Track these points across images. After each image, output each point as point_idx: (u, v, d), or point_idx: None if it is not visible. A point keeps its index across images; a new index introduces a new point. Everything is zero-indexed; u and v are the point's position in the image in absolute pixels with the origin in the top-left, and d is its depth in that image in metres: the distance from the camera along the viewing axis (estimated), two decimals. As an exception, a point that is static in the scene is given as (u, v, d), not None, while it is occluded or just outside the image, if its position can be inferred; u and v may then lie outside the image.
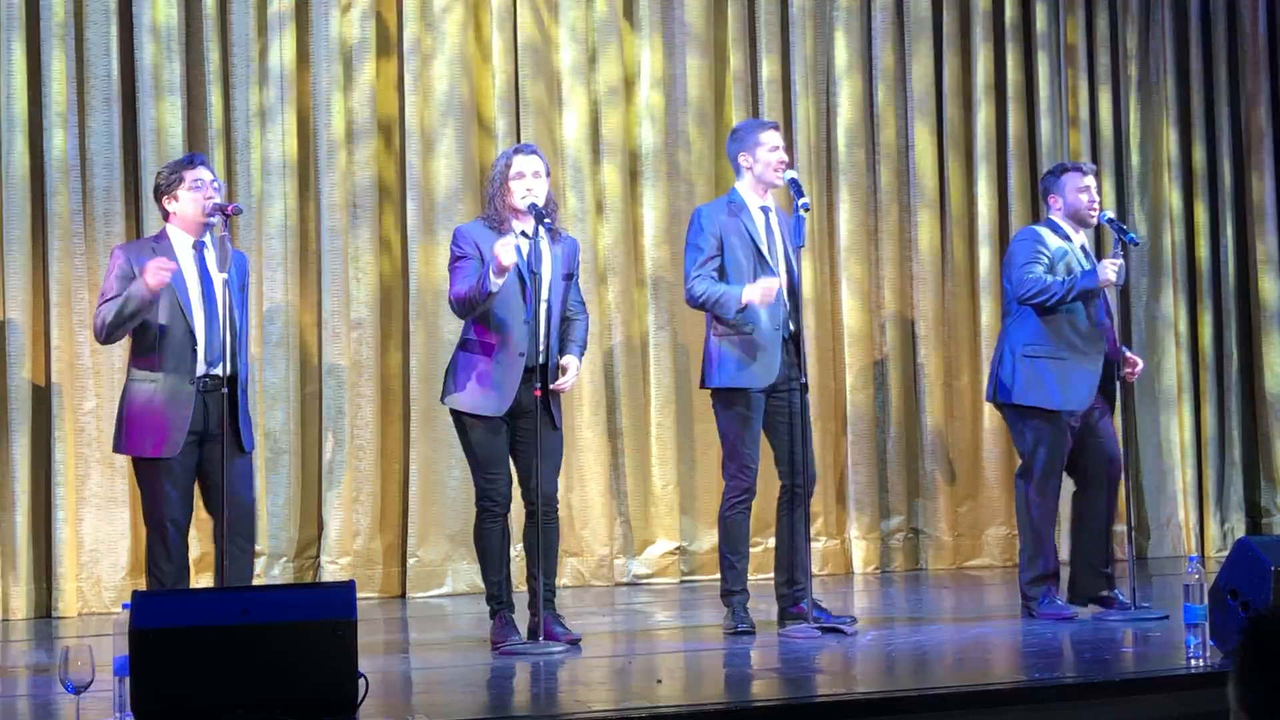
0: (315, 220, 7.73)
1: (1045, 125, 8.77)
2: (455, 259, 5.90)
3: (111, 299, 5.63)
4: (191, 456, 5.64)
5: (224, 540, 5.62)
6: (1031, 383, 6.33)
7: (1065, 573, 6.48)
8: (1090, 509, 6.45)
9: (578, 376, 6.02)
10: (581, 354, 6.03)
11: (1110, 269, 6.20)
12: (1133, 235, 6.41)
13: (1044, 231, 6.47)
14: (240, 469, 5.73)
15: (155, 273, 5.50)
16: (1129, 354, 6.53)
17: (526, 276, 5.80)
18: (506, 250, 5.65)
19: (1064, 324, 6.32)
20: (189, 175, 5.73)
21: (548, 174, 5.94)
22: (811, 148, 8.39)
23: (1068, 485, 6.53)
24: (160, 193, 5.79)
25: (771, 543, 7.94)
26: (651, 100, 8.21)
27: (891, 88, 8.59)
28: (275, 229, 7.58)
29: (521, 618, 6.02)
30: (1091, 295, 6.27)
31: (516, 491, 6.15)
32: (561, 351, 5.95)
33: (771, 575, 7.73)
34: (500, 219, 5.86)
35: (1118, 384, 6.43)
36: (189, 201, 5.71)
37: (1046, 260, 6.34)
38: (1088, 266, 6.34)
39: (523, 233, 5.86)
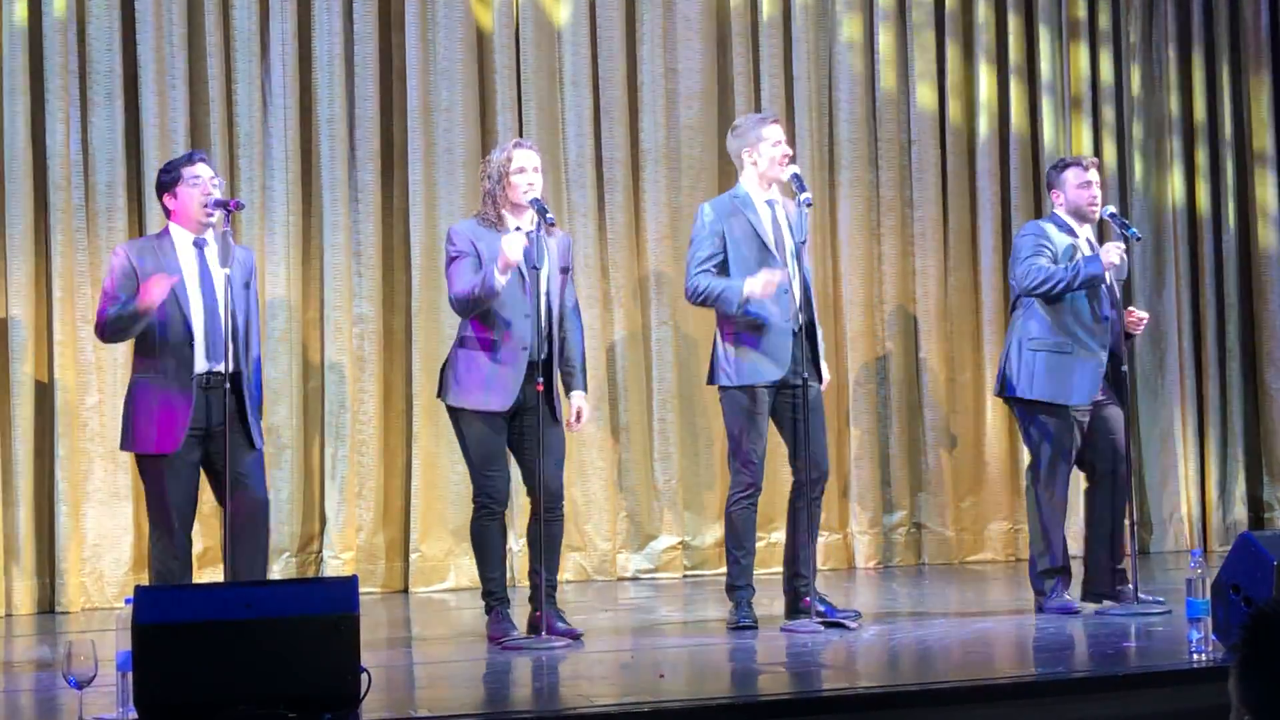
0: (318, 215, 7.73)
1: (1048, 120, 8.75)
2: (451, 259, 5.91)
3: (113, 303, 5.64)
4: (195, 452, 5.63)
5: (231, 535, 5.61)
6: (1036, 377, 6.34)
7: (1078, 569, 6.49)
8: (1100, 506, 6.45)
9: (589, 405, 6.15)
10: (585, 379, 6.12)
11: (1114, 252, 6.21)
12: (1135, 230, 6.41)
13: (1047, 226, 6.49)
14: (251, 465, 5.72)
15: (153, 289, 5.51)
16: (1132, 310, 6.52)
17: (526, 272, 5.81)
18: (514, 247, 5.66)
19: (1068, 317, 6.33)
20: (187, 172, 5.74)
21: (545, 170, 6.00)
22: (813, 141, 8.39)
23: (1078, 481, 6.52)
24: (161, 190, 5.81)
25: (774, 537, 8.02)
26: (653, 93, 8.20)
27: (893, 82, 8.58)
28: (278, 224, 7.57)
29: (522, 612, 6.03)
30: (1098, 280, 6.24)
31: (516, 488, 6.16)
32: (566, 384, 6.03)
33: (776, 570, 7.80)
34: (497, 215, 5.88)
35: (1127, 380, 6.41)
36: (188, 198, 5.71)
37: (1050, 253, 6.35)
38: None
39: (517, 228, 5.88)
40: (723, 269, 6.10)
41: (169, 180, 5.77)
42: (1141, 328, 6.55)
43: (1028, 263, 6.34)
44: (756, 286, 5.95)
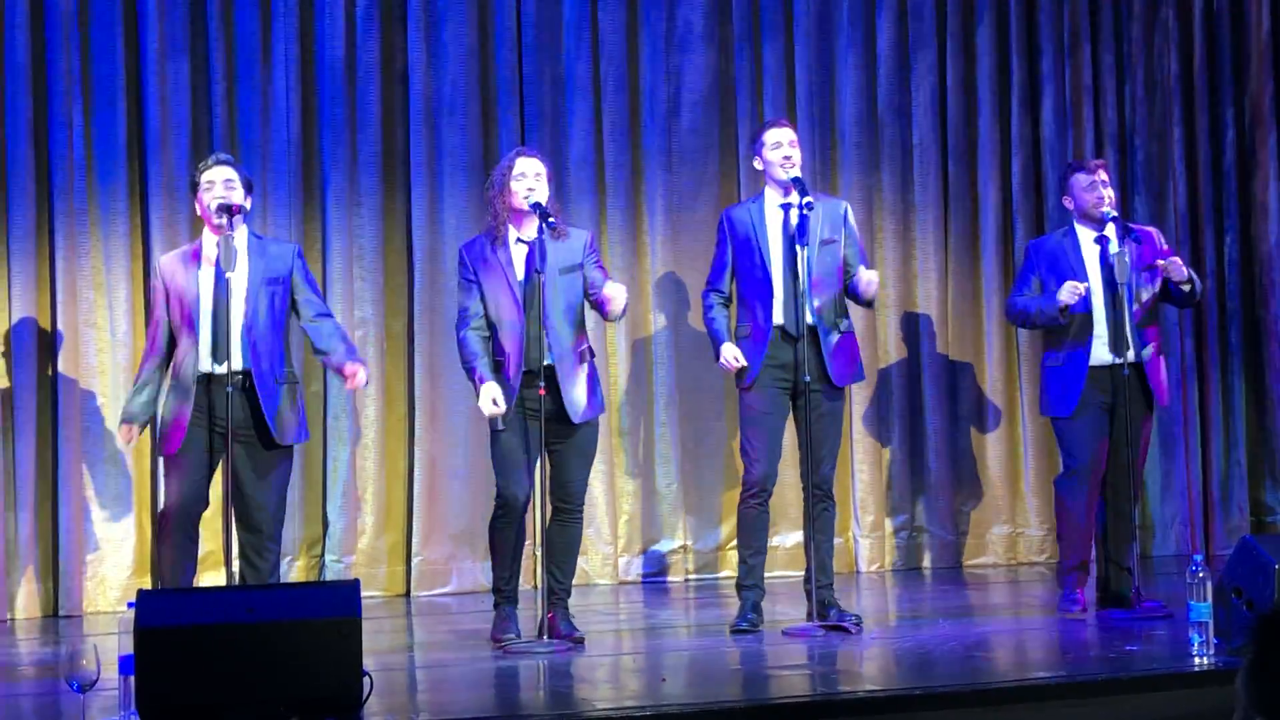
0: (320, 219, 7.73)
1: (1049, 122, 8.74)
2: (460, 279, 6.04)
3: (149, 356, 5.86)
4: (201, 454, 5.68)
5: (231, 535, 5.68)
6: (1045, 392, 6.54)
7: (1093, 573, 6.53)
8: (1115, 509, 6.45)
9: (624, 296, 5.98)
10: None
11: (1066, 291, 6.26)
12: (1136, 233, 6.42)
13: (1042, 242, 6.64)
14: (261, 467, 5.75)
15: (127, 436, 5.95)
16: (1159, 263, 6.44)
17: (515, 289, 5.83)
18: (486, 405, 5.79)
19: (1057, 331, 6.44)
20: (202, 178, 5.86)
21: (550, 178, 6.00)
22: (815, 146, 8.38)
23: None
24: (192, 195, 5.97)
25: (775, 540, 8.01)
26: (654, 97, 8.21)
27: (895, 85, 8.57)
28: (280, 228, 7.57)
29: (528, 613, 6.03)
30: (1056, 319, 6.33)
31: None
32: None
33: (783, 572, 7.81)
34: (500, 225, 5.91)
35: (1153, 387, 6.42)
36: (204, 205, 5.82)
37: (1036, 274, 6.50)
38: (1101, 265, 6.37)
39: (519, 239, 5.93)
40: (732, 274, 6.26)
41: (191, 186, 5.93)
42: (1179, 268, 6.38)
43: (1010, 300, 6.67)
44: (729, 354, 6.09)
